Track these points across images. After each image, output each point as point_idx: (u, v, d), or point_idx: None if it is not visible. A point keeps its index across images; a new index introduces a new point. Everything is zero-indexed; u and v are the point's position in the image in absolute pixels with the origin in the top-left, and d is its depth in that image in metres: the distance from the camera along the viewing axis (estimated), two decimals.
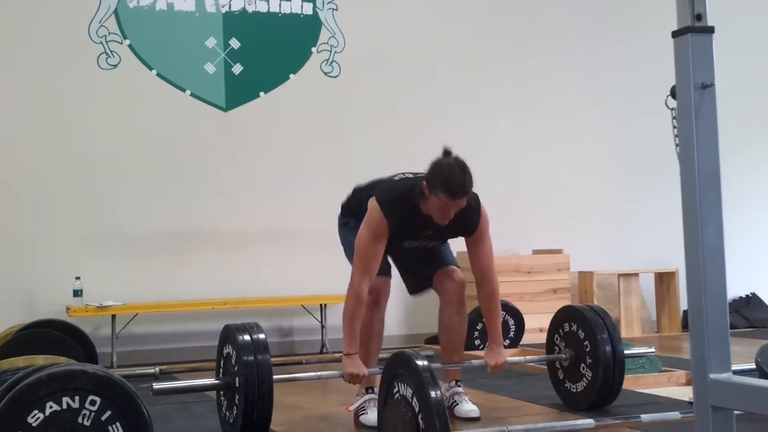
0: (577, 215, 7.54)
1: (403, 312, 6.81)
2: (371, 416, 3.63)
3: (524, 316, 6.13)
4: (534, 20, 7.68)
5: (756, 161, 8.14)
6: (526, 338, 6.17)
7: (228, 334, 3.58)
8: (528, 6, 7.68)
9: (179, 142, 6.71)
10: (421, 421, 2.72)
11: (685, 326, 7.00)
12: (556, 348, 4.14)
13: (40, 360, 3.62)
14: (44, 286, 6.25)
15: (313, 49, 7.04)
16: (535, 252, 7.14)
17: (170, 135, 6.69)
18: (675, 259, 6.82)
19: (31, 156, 6.36)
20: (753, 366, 4.38)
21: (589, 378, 3.94)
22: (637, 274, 7.30)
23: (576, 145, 7.68)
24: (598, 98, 7.79)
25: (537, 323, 6.37)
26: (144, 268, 6.49)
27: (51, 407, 2.59)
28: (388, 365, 3.00)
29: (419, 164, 3.75)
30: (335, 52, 7.07)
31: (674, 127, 2.22)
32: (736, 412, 2.20)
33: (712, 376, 2.15)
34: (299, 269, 6.79)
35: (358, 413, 3.80)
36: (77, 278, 6.09)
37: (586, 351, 3.96)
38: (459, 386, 3.95)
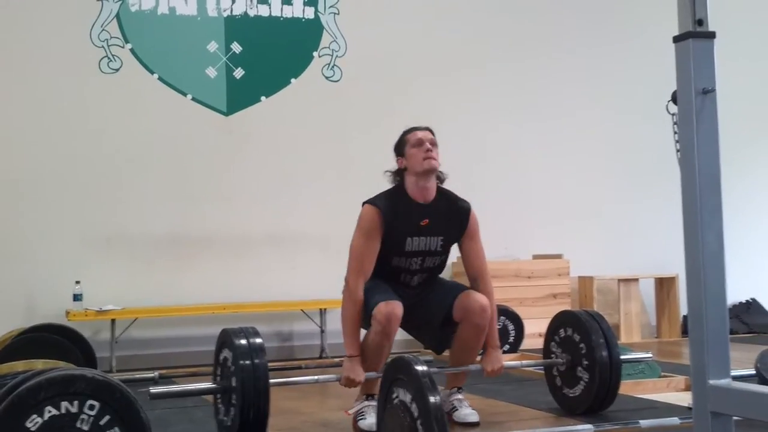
0: (577, 219, 7.55)
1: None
2: (370, 421, 3.63)
3: (524, 321, 6.13)
4: (534, 21, 7.69)
5: (756, 166, 8.14)
6: (526, 343, 6.16)
7: (225, 338, 3.58)
8: (528, 7, 7.69)
9: (180, 147, 6.71)
10: (419, 427, 2.71)
11: (684, 332, 6.99)
12: (553, 354, 4.14)
13: (39, 364, 3.62)
14: (44, 290, 6.25)
15: (315, 54, 7.05)
16: (535, 257, 7.14)
17: (171, 139, 6.69)
18: (675, 265, 6.83)
19: (33, 160, 6.36)
20: (753, 372, 4.38)
21: (586, 381, 3.94)
22: (637, 280, 7.30)
23: (576, 148, 7.69)
24: (597, 101, 7.80)
25: (537, 328, 6.35)
26: (144, 272, 6.49)
27: (50, 412, 2.58)
28: (388, 370, 3.00)
29: None
30: (337, 56, 7.08)
31: (675, 132, 2.22)
32: (735, 418, 2.20)
33: (711, 381, 2.14)
34: (299, 274, 6.79)
35: (356, 418, 3.79)
36: (77, 282, 6.09)
37: (582, 354, 3.96)
38: (459, 392, 3.95)
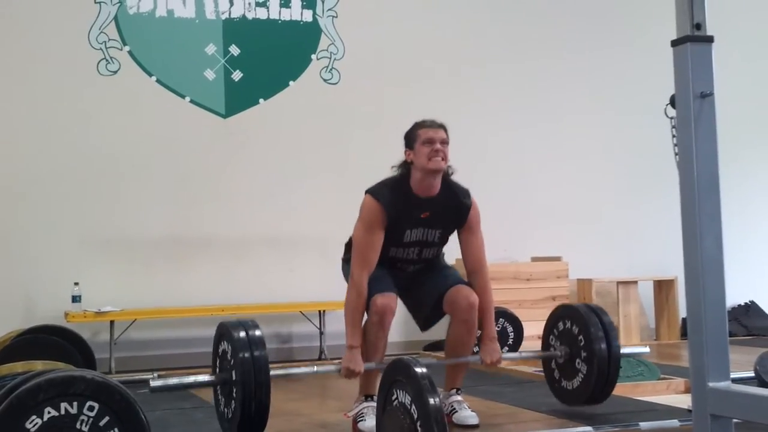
0: (576, 222, 7.55)
1: (402, 319, 6.76)
2: (369, 423, 3.63)
3: (523, 323, 6.12)
4: (533, 24, 7.69)
5: (755, 168, 8.14)
6: (525, 345, 6.15)
7: (223, 331, 3.58)
8: (527, 10, 7.69)
9: (179, 149, 6.71)
10: (419, 428, 2.72)
11: (684, 334, 7.00)
12: (552, 347, 4.13)
13: (39, 365, 3.62)
14: (43, 291, 6.25)
15: (313, 56, 7.05)
16: (534, 259, 7.14)
17: (170, 141, 6.69)
18: (674, 267, 6.83)
19: (31, 162, 6.36)
20: (752, 374, 4.39)
21: (584, 374, 3.93)
22: (635, 282, 7.30)
23: (575, 151, 7.69)
24: (597, 104, 7.80)
25: (536, 330, 6.32)
26: (142, 274, 6.48)
27: (49, 413, 2.59)
28: (387, 372, 3.00)
29: None
30: (335, 59, 7.08)
31: (674, 135, 2.23)
32: (734, 420, 2.20)
33: (710, 384, 2.15)
34: (298, 276, 6.79)
35: (356, 420, 3.79)
36: (76, 284, 6.09)
37: (580, 346, 3.95)
38: (458, 394, 3.96)
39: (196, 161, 6.74)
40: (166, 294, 6.45)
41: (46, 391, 2.60)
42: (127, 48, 6.59)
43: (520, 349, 6.11)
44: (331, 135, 7.03)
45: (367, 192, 3.80)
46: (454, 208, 3.85)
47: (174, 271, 6.57)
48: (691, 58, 2.18)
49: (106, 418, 2.64)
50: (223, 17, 6.80)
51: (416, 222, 3.79)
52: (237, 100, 6.81)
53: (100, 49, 6.53)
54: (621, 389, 4.58)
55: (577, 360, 3.98)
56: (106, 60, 6.54)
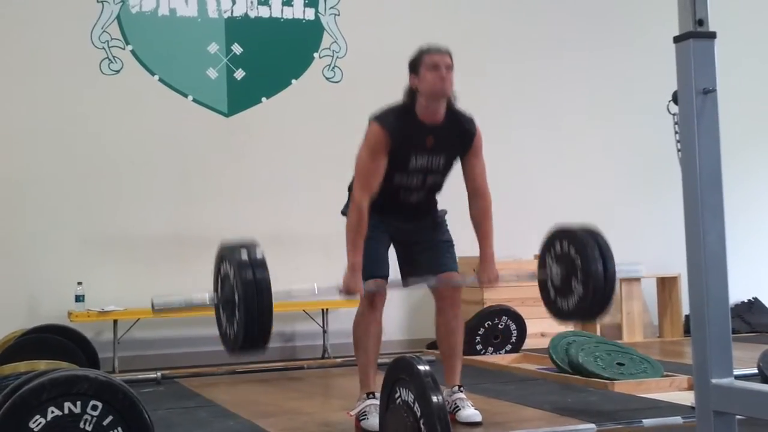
0: (578, 219, 7.51)
1: (404, 317, 6.81)
2: (372, 421, 3.63)
3: (526, 321, 6.13)
4: (535, 23, 7.68)
5: (758, 165, 8.12)
6: (528, 343, 6.17)
7: (225, 252, 3.56)
8: (529, 9, 7.68)
9: (181, 148, 6.71)
10: (422, 426, 2.72)
11: (687, 331, 6.99)
12: (548, 267, 4.11)
13: (42, 365, 3.62)
14: (46, 291, 6.26)
15: (315, 55, 7.05)
16: (537, 257, 7.11)
17: (172, 140, 6.69)
18: (677, 264, 6.83)
19: (34, 161, 6.36)
20: (755, 371, 4.39)
21: (580, 294, 3.89)
22: (638, 279, 7.29)
23: (578, 148, 7.68)
24: (599, 101, 7.79)
25: (539, 328, 6.37)
26: (146, 273, 6.48)
27: (53, 412, 2.60)
28: (390, 370, 3.00)
29: None
30: (337, 57, 7.08)
31: (676, 132, 2.23)
32: (738, 417, 2.20)
33: (714, 381, 2.15)
34: (301, 274, 6.74)
35: (359, 418, 3.79)
36: (79, 283, 6.09)
37: (577, 267, 3.91)
38: (461, 391, 3.96)
39: (199, 160, 6.74)
40: (170, 293, 6.43)
41: (49, 391, 2.61)
42: (129, 47, 6.60)
43: (523, 348, 6.12)
44: (334, 133, 7.02)
45: (372, 118, 3.86)
46: (458, 135, 3.88)
47: (177, 269, 6.56)
48: (694, 54, 2.18)
49: (110, 418, 2.65)
50: (226, 16, 6.80)
51: (421, 148, 3.81)
52: (239, 98, 6.81)
53: (103, 48, 6.53)
54: (624, 386, 4.59)
55: (573, 281, 3.95)
56: (109, 59, 6.54)
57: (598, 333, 6.86)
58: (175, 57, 6.71)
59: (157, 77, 6.67)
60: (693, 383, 2.25)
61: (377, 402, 3.47)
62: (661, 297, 7.47)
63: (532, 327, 6.21)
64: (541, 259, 4.13)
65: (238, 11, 6.83)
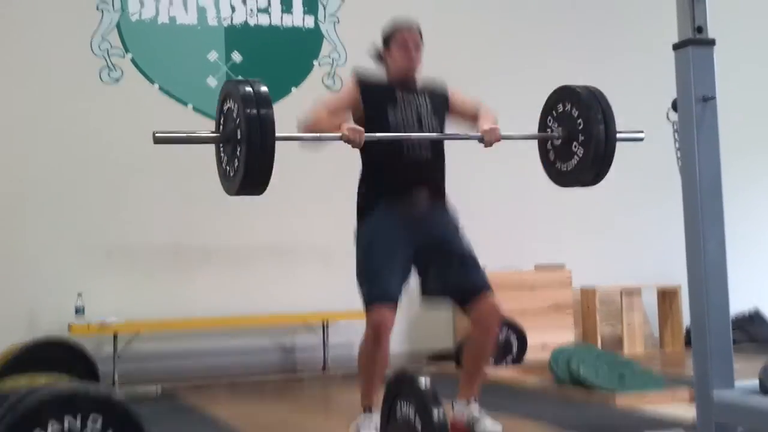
0: (579, 230, 7.51)
1: (406, 329, 6.77)
2: None
3: (526, 331, 6.10)
4: (536, 33, 7.67)
5: (759, 173, 8.09)
6: (529, 355, 6.13)
7: (230, 88, 3.46)
8: (529, 17, 7.68)
9: (181, 157, 6.67)
10: None
11: (688, 342, 6.93)
12: (549, 128, 4.03)
13: (42, 379, 3.62)
14: (46, 303, 6.21)
15: (315, 63, 7.04)
16: (537, 267, 7.10)
17: (172, 149, 6.64)
18: (678, 275, 6.79)
19: (33, 171, 6.34)
20: (756, 383, 4.35)
21: (580, 156, 3.83)
22: (639, 290, 7.26)
23: None
24: None
25: (539, 339, 6.34)
26: (146, 284, 6.45)
27: (52, 426, 2.59)
28: (391, 384, 2.97)
29: None
30: (337, 65, 7.07)
31: (675, 140, 2.20)
32: (739, 429, 2.17)
33: (715, 392, 2.12)
34: (301, 285, 6.75)
35: None
36: (79, 295, 6.06)
37: (578, 130, 3.83)
38: (476, 402, 3.83)
39: (199, 169, 6.70)
40: (170, 304, 6.41)
41: (49, 405, 2.61)
42: (129, 55, 6.58)
43: (524, 359, 6.09)
44: (334, 141, 7.00)
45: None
46: (432, 89, 4.02)
47: (177, 281, 6.54)
48: (693, 61, 2.16)
49: None
50: (225, 24, 6.79)
51: (399, 99, 3.87)
52: None
53: (103, 56, 6.52)
54: (625, 399, 4.56)
55: (574, 143, 3.87)
56: (109, 67, 6.53)
57: (599, 344, 6.84)
58: (175, 65, 6.70)
59: (157, 85, 6.65)
60: (694, 395, 2.23)
61: (378, 417, 3.43)
62: (661, 308, 7.43)
63: (532, 338, 6.18)
64: (542, 120, 4.07)
65: (238, 19, 6.82)
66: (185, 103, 6.70)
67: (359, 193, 3.93)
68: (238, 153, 3.35)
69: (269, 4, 6.92)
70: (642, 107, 7.40)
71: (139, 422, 2.68)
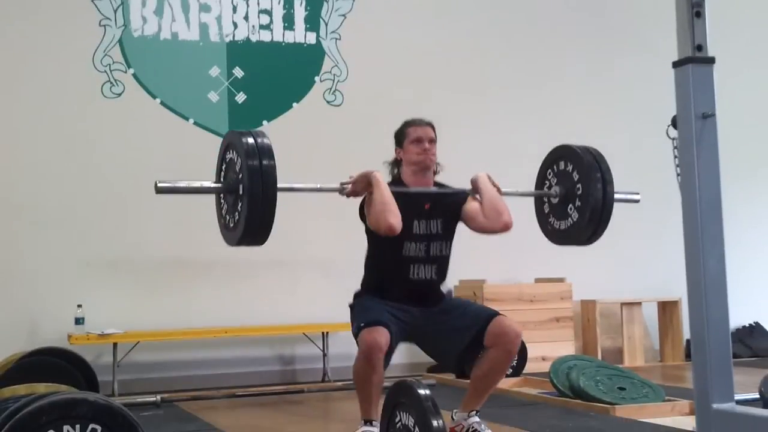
0: None
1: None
2: None
3: (527, 345, 6.10)
4: (537, 45, 7.71)
5: (758, 189, 8.12)
6: (529, 367, 6.15)
7: (232, 139, 3.49)
8: (529, 32, 7.71)
9: (182, 171, 6.68)
10: None
11: (688, 355, 6.96)
12: (547, 183, 4.06)
13: (41, 388, 3.61)
14: (46, 313, 6.24)
15: (317, 78, 7.08)
16: (538, 280, 7.12)
17: (174, 163, 6.69)
18: (678, 288, 6.80)
19: (35, 184, 6.36)
20: (756, 396, 4.37)
21: (577, 215, 3.88)
22: (639, 303, 7.28)
23: None
24: (600, 124, 7.78)
25: (540, 352, 6.35)
26: (146, 295, 6.47)
27: None
28: (390, 394, 2.99)
29: None
30: (338, 81, 7.10)
31: (675, 156, 2.23)
32: None
33: (715, 405, 2.14)
34: (301, 297, 6.77)
35: None
36: (79, 306, 6.08)
37: (576, 192, 3.88)
38: (477, 416, 3.86)
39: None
40: (170, 315, 6.43)
41: (48, 414, 2.60)
42: (131, 71, 6.62)
43: (524, 372, 6.10)
44: (335, 156, 7.02)
45: None
46: (451, 196, 3.92)
47: (177, 292, 6.56)
48: (693, 79, 2.18)
49: None
50: (227, 40, 6.83)
51: (420, 212, 3.81)
52: (241, 122, 6.82)
53: (105, 71, 6.55)
54: (625, 411, 4.57)
55: (570, 205, 3.91)
56: (111, 82, 6.56)
57: (599, 357, 6.85)
58: (176, 80, 6.73)
59: (158, 101, 6.69)
60: (694, 408, 2.24)
61: (377, 429, 3.45)
62: (662, 321, 7.44)
63: (533, 351, 6.20)
64: (542, 173, 4.11)
65: (240, 35, 6.86)
66: (186, 118, 6.74)
67: (365, 266, 3.98)
68: (239, 206, 3.38)
69: (271, 20, 6.97)
70: (644, 120, 7.46)
71: (138, 431, 2.69)
